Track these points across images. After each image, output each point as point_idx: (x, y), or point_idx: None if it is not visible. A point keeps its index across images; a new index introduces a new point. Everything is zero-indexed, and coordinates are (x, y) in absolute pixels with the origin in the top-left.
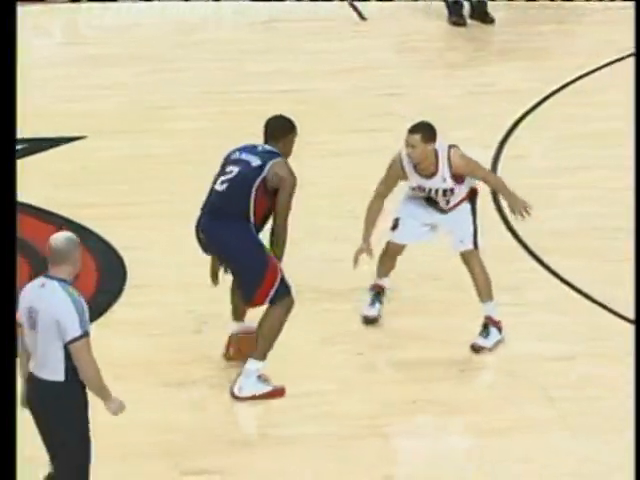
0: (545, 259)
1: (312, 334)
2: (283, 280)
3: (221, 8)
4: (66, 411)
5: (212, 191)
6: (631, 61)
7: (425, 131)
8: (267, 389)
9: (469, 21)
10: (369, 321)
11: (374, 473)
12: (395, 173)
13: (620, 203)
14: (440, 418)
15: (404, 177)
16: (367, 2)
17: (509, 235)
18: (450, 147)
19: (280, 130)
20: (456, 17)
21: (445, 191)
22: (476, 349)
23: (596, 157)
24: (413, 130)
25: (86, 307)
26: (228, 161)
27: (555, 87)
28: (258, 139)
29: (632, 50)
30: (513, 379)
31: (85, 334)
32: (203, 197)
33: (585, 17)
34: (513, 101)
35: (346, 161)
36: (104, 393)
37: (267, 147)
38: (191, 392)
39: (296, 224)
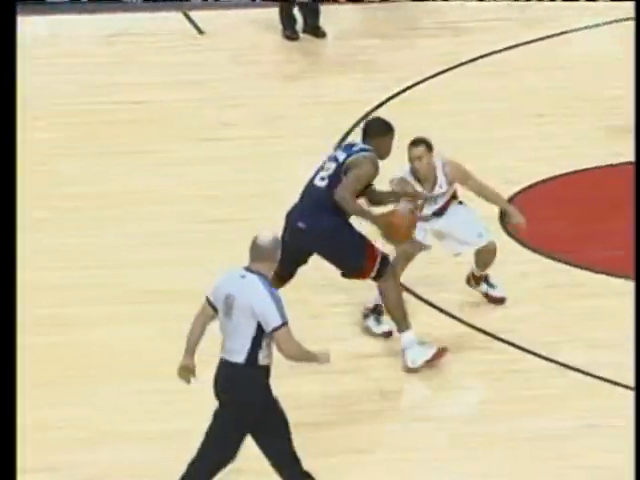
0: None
1: (166, 332)
2: (382, 253)
3: (64, 23)
4: (250, 391)
5: (311, 185)
6: (459, 71)
7: (427, 142)
8: (433, 350)
9: (302, 35)
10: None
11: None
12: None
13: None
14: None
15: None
16: (204, 15)
17: None
18: (443, 160)
19: (375, 130)
20: (290, 31)
21: (438, 196)
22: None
23: None
24: (416, 143)
25: (283, 300)
26: (328, 157)
27: (385, 97)
28: (107, 149)
29: (459, 62)
30: (347, 375)
31: (285, 323)
32: (54, 204)
33: (413, 31)
34: (345, 111)
35: (188, 169)
36: (313, 359)
37: (361, 145)
38: (51, 392)
39: (134, 230)
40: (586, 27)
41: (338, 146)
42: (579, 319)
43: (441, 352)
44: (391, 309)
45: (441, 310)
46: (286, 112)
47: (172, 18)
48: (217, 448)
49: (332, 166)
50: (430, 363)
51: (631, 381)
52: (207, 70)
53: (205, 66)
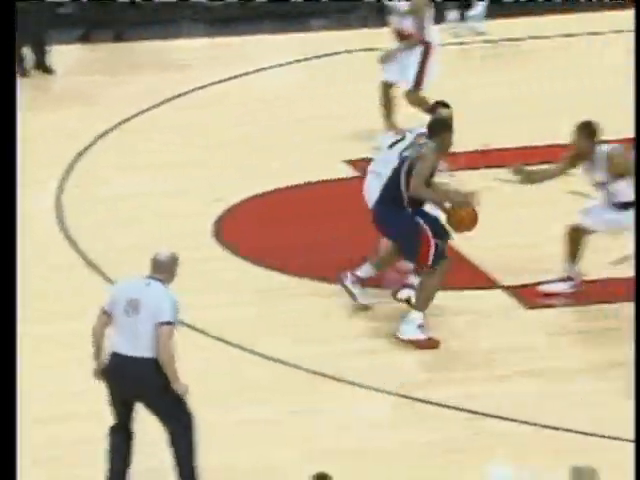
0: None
1: None
2: (438, 248)
3: None
4: (163, 382)
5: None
6: (174, 105)
7: None
8: (423, 337)
9: (33, 72)
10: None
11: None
12: None
13: (172, 227)
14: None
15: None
16: None
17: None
18: None
19: (432, 128)
20: (19, 68)
21: None
22: None
23: (153, 183)
24: None
25: (179, 307)
26: (398, 157)
27: (104, 129)
28: None
29: (173, 96)
30: None
31: (173, 323)
32: None
33: (134, 69)
34: (69, 142)
35: None
36: (174, 376)
37: (424, 142)
38: None
39: None
40: (280, 64)
41: (404, 148)
42: (291, 318)
43: (429, 344)
44: (427, 290)
45: None
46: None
47: None
48: (177, 424)
49: (396, 162)
50: (414, 343)
51: (336, 371)
52: None
53: None
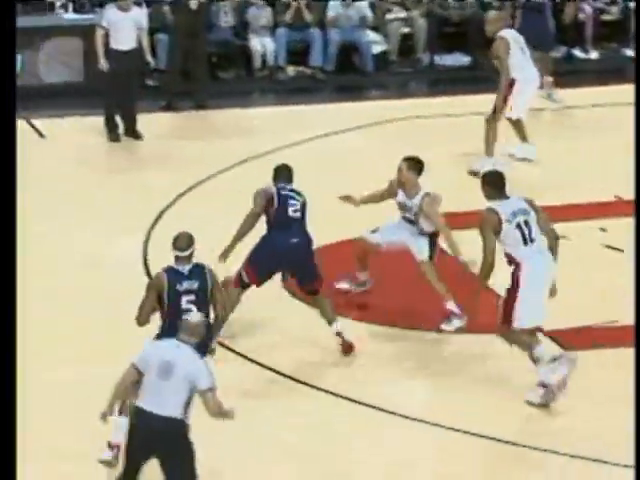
0: None
1: None
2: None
3: None
4: (188, 443)
5: (288, 216)
6: (247, 166)
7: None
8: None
9: (123, 137)
10: None
11: None
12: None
13: None
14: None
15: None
16: (43, 121)
17: None
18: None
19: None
20: (113, 134)
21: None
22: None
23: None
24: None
25: (213, 369)
26: (288, 196)
27: (185, 189)
28: None
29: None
30: None
31: (214, 388)
32: None
33: (212, 134)
34: (159, 198)
35: None
36: (229, 416)
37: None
38: None
39: None
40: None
41: (292, 190)
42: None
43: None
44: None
45: None
46: (111, 199)
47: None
48: None
49: (298, 204)
50: None
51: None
52: (51, 170)
53: (49, 166)
